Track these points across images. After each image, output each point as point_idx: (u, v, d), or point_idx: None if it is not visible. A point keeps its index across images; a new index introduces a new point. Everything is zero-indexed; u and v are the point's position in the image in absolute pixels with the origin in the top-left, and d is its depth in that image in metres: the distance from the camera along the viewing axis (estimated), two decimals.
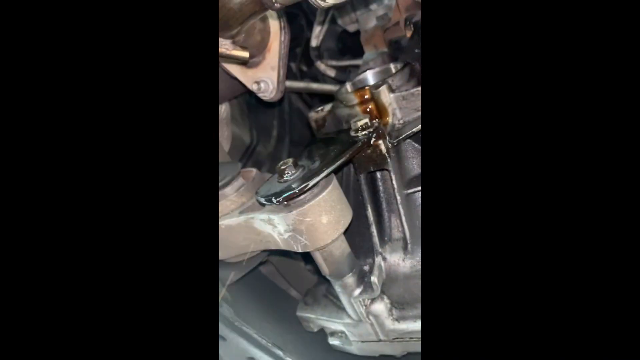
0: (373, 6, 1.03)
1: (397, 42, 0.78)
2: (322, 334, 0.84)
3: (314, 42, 1.31)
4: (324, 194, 0.57)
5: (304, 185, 0.57)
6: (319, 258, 0.65)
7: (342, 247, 0.65)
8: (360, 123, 0.64)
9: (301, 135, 1.47)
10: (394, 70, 0.75)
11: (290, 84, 1.35)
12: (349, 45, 1.40)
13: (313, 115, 0.81)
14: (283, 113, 1.51)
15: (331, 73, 1.35)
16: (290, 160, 0.61)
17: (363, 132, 0.64)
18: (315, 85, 1.35)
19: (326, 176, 0.59)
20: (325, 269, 0.66)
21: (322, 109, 0.80)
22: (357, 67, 1.28)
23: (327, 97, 1.41)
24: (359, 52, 1.23)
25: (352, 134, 0.65)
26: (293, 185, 0.58)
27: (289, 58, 1.47)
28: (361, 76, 0.79)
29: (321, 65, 1.34)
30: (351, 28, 1.15)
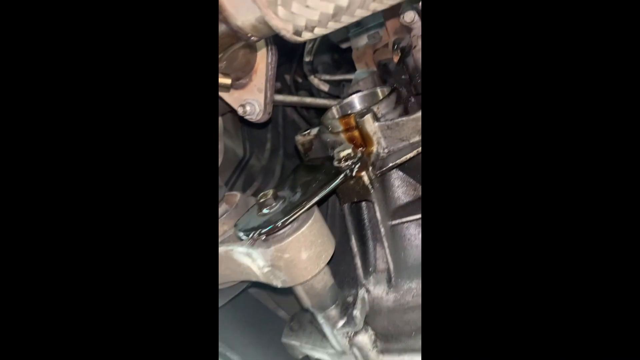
0: (364, 24, 1.02)
1: (385, 65, 0.77)
2: None
3: (307, 57, 1.30)
4: (303, 229, 0.56)
5: (283, 220, 0.55)
6: (300, 291, 0.63)
7: (324, 280, 0.64)
8: (343, 154, 0.63)
9: (295, 148, 1.46)
10: (380, 95, 0.73)
11: (283, 97, 1.34)
12: (342, 59, 1.39)
13: (300, 138, 0.80)
14: (277, 126, 1.49)
15: (324, 87, 1.33)
16: (271, 192, 0.60)
17: (346, 163, 0.62)
18: (308, 100, 1.33)
19: (307, 210, 0.58)
20: (306, 302, 0.65)
21: (308, 133, 0.79)
22: (350, 81, 1.27)
23: (322, 111, 1.40)
24: (352, 67, 1.22)
25: (335, 164, 0.64)
26: (272, 219, 0.56)
27: (284, 70, 1.47)
28: (348, 100, 0.77)
29: (314, 80, 1.33)
30: (343, 45, 1.14)
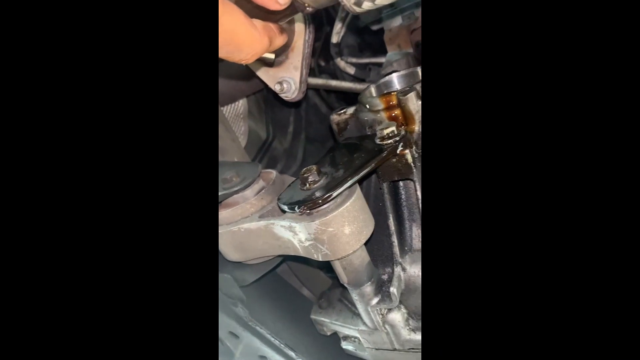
0: (399, 4, 1.00)
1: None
2: (335, 337, 0.84)
3: (334, 39, 1.28)
4: (347, 204, 0.56)
5: (327, 194, 0.56)
6: (338, 267, 0.64)
7: (362, 257, 0.64)
8: (386, 131, 0.62)
9: (317, 132, 1.46)
10: (420, 75, 0.72)
11: (309, 80, 1.33)
12: (368, 42, 1.37)
13: (335, 117, 0.79)
14: (300, 109, 1.49)
15: (350, 70, 1.32)
16: (314, 167, 0.60)
17: (389, 141, 0.62)
18: (334, 82, 1.33)
19: (350, 186, 0.58)
20: (344, 278, 0.65)
21: (344, 112, 0.79)
22: (377, 65, 1.25)
23: (344, 94, 1.39)
24: (379, 50, 1.20)
25: (378, 141, 0.63)
26: (316, 194, 0.57)
27: None
28: (386, 79, 0.77)
29: (341, 63, 1.31)
30: (374, 26, 1.12)
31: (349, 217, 0.57)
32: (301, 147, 1.46)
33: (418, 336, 0.69)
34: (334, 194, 0.56)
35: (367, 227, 0.60)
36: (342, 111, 0.79)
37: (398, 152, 0.61)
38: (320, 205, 0.57)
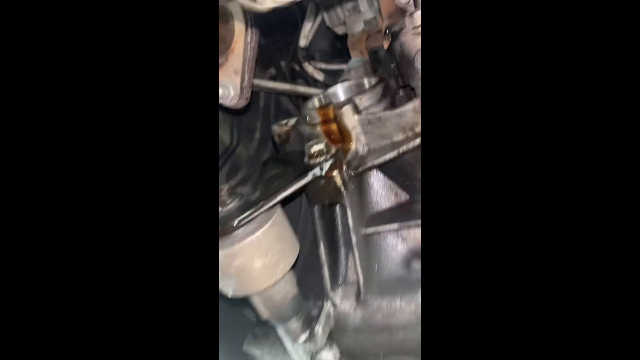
0: (361, 8, 0.93)
1: (375, 52, 0.69)
2: None
3: (302, 42, 1.21)
4: (258, 233, 0.49)
5: (236, 222, 0.48)
6: (256, 301, 0.56)
7: (284, 290, 0.57)
8: (314, 149, 0.55)
9: (272, 139, 1.39)
10: (367, 86, 0.65)
11: (275, 84, 1.26)
12: (343, 47, 1.30)
13: (276, 128, 0.72)
14: (269, 115, 1.41)
15: (319, 76, 1.25)
16: (226, 187, 0.53)
17: (317, 160, 0.55)
18: (302, 89, 1.25)
19: (264, 211, 0.50)
20: (263, 313, 0.58)
21: (286, 123, 0.71)
22: None
23: None
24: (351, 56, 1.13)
25: (306, 160, 0.56)
26: (222, 219, 0.49)
27: (280, 56, 1.38)
28: (331, 89, 0.69)
29: (309, 68, 1.24)
30: (339, 30, 1.05)
31: (260, 248, 0.49)
32: (268, 155, 1.38)
33: None
34: (241, 222, 0.48)
35: (286, 258, 0.52)
36: (283, 122, 0.72)
37: (325, 173, 0.54)
38: (228, 233, 0.49)
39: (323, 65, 1.25)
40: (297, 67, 1.38)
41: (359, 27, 0.94)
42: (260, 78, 1.30)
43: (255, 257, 0.49)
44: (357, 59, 0.94)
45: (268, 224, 0.50)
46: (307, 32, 1.21)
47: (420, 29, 0.47)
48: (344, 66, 1.18)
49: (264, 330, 0.74)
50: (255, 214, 0.49)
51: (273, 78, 1.35)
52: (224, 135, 1.37)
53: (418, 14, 0.47)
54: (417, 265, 0.59)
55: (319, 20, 1.18)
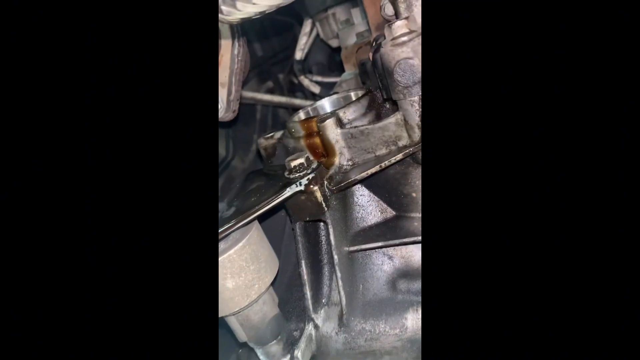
0: (354, 21, 0.92)
1: (363, 64, 0.67)
2: None
3: (298, 55, 1.21)
4: (230, 252, 0.46)
5: None
6: (233, 323, 0.53)
7: (262, 311, 0.54)
8: (294, 163, 0.53)
9: (258, 153, 1.38)
10: (353, 99, 0.63)
11: (270, 97, 1.25)
12: (339, 60, 1.29)
13: (262, 142, 0.70)
14: (266, 127, 1.40)
15: (315, 89, 1.24)
16: None
17: (297, 174, 0.52)
18: (298, 101, 1.24)
19: (237, 229, 0.48)
20: (241, 335, 0.55)
21: (272, 136, 0.69)
22: None
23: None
24: None
25: (286, 174, 0.54)
26: None
27: (278, 69, 1.38)
28: (318, 103, 0.68)
29: (305, 80, 1.24)
30: (333, 43, 1.04)
31: (233, 267, 0.47)
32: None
33: None
34: None
35: (261, 279, 0.50)
36: (269, 135, 0.70)
37: (305, 188, 0.51)
38: None
39: (319, 78, 1.24)
40: (295, 81, 1.37)
41: (351, 39, 0.93)
42: (257, 91, 1.30)
43: (227, 278, 0.46)
44: (349, 72, 0.93)
45: (241, 243, 0.47)
46: (302, 45, 1.20)
47: (399, 40, 0.45)
48: (337, 79, 1.18)
49: (247, 353, 0.71)
50: (228, 232, 0.47)
51: (271, 91, 1.34)
52: (220, 147, 1.37)
53: (397, 24, 0.45)
54: (403, 286, 0.56)
55: (314, 33, 1.18)
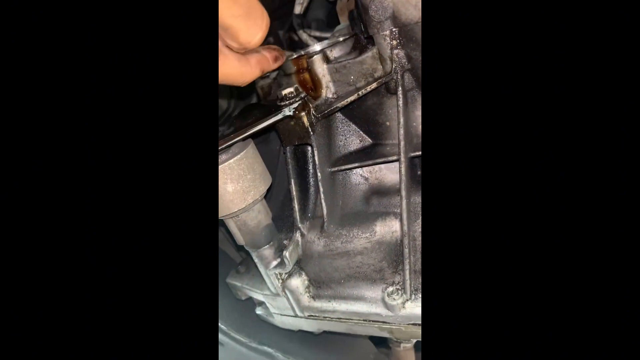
0: None
1: (352, 12, 0.74)
2: (252, 303, 0.85)
3: (297, 9, 1.25)
4: (231, 161, 0.56)
5: None
6: (232, 226, 0.64)
7: (257, 218, 0.64)
8: (284, 92, 0.61)
9: (256, 93, 1.45)
10: (341, 40, 0.70)
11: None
12: (336, 16, 1.33)
13: (259, 82, 0.78)
14: None
15: (313, 44, 1.30)
16: None
17: (287, 102, 0.61)
18: (296, 55, 1.30)
19: (234, 143, 0.57)
20: (239, 239, 0.65)
21: (267, 76, 0.77)
22: None
23: None
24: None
25: (278, 102, 0.62)
26: None
27: (278, 26, 1.42)
28: (310, 47, 0.75)
29: (303, 35, 1.29)
30: None
31: (232, 174, 0.57)
32: None
33: (317, 304, 0.70)
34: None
35: (256, 187, 0.60)
36: (266, 75, 0.78)
37: (294, 113, 0.60)
38: None
39: (317, 33, 1.29)
40: (295, 37, 1.42)
41: None
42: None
43: (227, 183, 0.56)
44: (344, 23, 0.99)
45: (241, 154, 0.57)
46: None
47: None
48: None
49: (246, 266, 0.83)
50: (227, 144, 0.56)
51: None
52: (222, 101, 1.44)
53: None
54: (375, 201, 0.66)
55: None
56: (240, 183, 0.57)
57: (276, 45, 1.49)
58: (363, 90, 0.59)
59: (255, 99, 1.50)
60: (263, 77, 0.78)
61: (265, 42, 1.48)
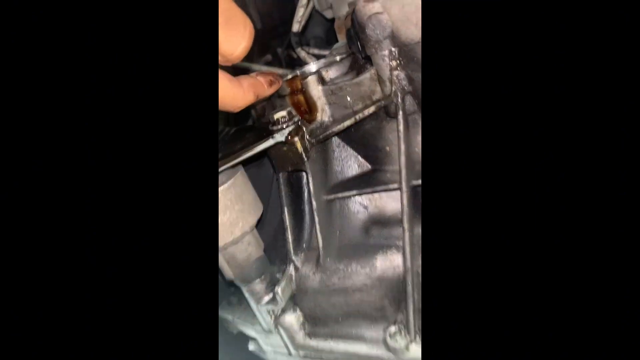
0: None
1: (349, 30, 0.70)
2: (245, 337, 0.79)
3: (295, 27, 1.23)
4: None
5: None
6: (220, 260, 0.59)
7: (247, 251, 0.59)
8: (277, 115, 0.57)
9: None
10: (338, 59, 0.67)
11: (267, 69, 1.28)
12: (335, 33, 1.31)
13: None
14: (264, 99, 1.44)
15: (311, 62, 1.27)
16: None
17: (279, 126, 0.57)
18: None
19: (224, 172, 0.53)
20: (228, 273, 0.60)
21: None
22: None
23: None
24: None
25: (270, 126, 0.58)
26: None
27: (277, 43, 1.40)
28: (306, 67, 0.71)
29: (301, 53, 1.26)
30: (328, 14, 1.07)
31: (219, 205, 0.52)
32: None
33: (313, 342, 0.64)
34: None
35: (244, 218, 0.55)
36: None
37: (286, 139, 0.56)
38: None
39: (316, 51, 1.27)
40: (293, 55, 1.40)
41: (344, 9, 0.96)
42: (256, 63, 1.33)
43: None
44: (342, 42, 0.96)
45: (226, 184, 0.52)
46: (299, 17, 1.22)
47: None
48: None
49: (238, 297, 0.78)
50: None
51: (269, 64, 1.37)
52: (220, 122, 1.41)
53: None
54: (375, 232, 0.61)
55: (311, 5, 1.20)
56: (227, 215, 0.53)
57: (274, 62, 1.46)
58: (361, 115, 0.55)
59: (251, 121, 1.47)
60: None
61: (263, 60, 1.44)
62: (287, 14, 1.40)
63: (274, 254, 0.68)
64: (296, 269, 0.62)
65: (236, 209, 0.54)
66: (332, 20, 1.10)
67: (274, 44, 1.41)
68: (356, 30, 0.54)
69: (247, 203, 0.56)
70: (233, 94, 0.44)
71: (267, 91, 0.51)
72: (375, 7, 0.48)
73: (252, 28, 0.41)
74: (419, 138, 0.57)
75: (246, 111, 1.52)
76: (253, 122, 0.78)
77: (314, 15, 1.28)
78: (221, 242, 0.54)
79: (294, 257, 0.62)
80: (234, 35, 0.39)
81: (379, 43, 0.50)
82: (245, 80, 0.47)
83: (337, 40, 1.33)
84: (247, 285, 0.62)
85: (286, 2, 1.36)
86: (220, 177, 0.54)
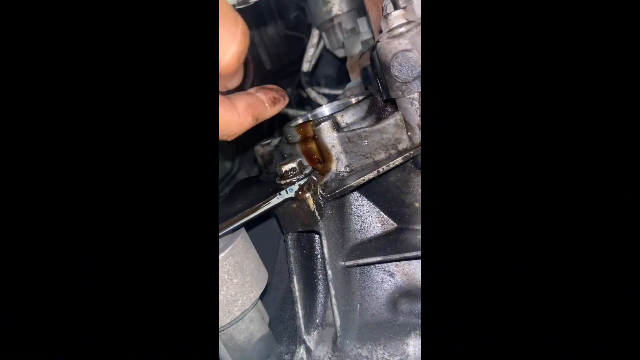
0: (360, 29, 0.90)
1: (365, 69, 0.63)
2: None
3: (305, 67, 1.19)
4: None
5: None
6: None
7: (249, 330, 0.49)
8: (285, 168, 0.49)
9: (255, 161, 1.36)
10: (353, 102, 0.59)
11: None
12: (347, 72, 1.27)
13: (259, 149, 0.67)
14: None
15: (323, 102, 1.22)
16: None
17: (288, 180, 0.48)
18: (304, 113, 1.22)
19: (220, 236, 0.44)
20: (225, 358, 0.50)
21: (268, 143, 0.66)
22: None
23: None
24: None
25: (278, 180, 0.50)
26: None
27: (286, 84, 1.37)
28: (318, 110, 0.64)
29: (312, 93, 1.21)
30: (339, 53, 1.02)
31: None
32: None
33: None
34: None
35: (245, 293, 0.45)
36: (266, 142, 0.67)
37: (296, 195, 0.47)
38: None
39: (326, 91, 1.22)
40: (303, 94, 1.36)
41: (357, 48, 0.90)
42: None
43: None
44: (354, 81, 0.90)
45: (223, 254, 0.43)
46: (309, 56, 1.19)
47: (396, 31, 0.42)
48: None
49: None
50: None
51: None
52: (226, 162, 1.35)
53: (394, 14, 0.42)
54: (405, 307, 0.50)
55: (322, 45, 1.16)
56: (223, 291, 0.43)
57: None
58: (385, 167, 0.46)
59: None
60: (263, 144, 0.67)
61: None
62: (297, 55, 1.38)
63: (282, 328, 0.57)
64: (308, 350, 0.51)
65: (235, 282, 0.44)
66: (344, 59, 1.05)
67: (283, 84, 1.37)
68: (376, 70, 0.47)
69: (249, 274, 0.46)
70: (225, 119, 0.36)
71: (270, 111, 0.41)
72: (402, 44, 0.41)
73: (246, 27, 0.32)
74: None
75: (253, 155, 1.44)
76: (259, 170, 0.70)
77: (324, 54, 1.24)
78: (219, 324, 0.44)
79: (305, 337, 0.51)
80: (221, 34, 0.30)
81: (406, 85, 0.42)
82: (240, 100, 0.38)
83: (348, 80, 1.28)
84: None
85: (296, 42, 1.34)
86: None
